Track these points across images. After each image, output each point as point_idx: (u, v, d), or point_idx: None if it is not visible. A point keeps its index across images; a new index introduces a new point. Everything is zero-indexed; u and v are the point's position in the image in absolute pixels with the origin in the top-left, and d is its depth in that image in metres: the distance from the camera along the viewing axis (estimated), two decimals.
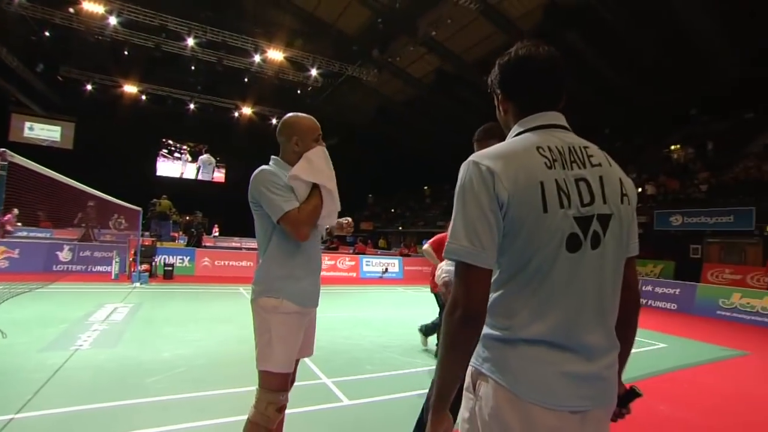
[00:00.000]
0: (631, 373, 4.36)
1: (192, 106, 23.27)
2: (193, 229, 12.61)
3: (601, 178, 1.01)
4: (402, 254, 16.63)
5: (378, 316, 7.01)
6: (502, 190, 0.93)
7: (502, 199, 0.93)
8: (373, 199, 33.33)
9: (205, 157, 28.36)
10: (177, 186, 24.78)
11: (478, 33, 17.13)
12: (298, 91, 21.22)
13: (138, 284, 8.88)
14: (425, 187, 30.33)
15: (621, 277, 1.04)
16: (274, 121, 24.97)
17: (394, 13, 16.37)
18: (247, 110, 23.92)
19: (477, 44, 17.88)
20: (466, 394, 1.03)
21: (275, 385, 1.78)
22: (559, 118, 1.07)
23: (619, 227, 1.01)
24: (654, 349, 5.72)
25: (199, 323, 5.68)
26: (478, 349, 1.01)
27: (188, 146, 27.97)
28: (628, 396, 1.15)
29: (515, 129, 1.08)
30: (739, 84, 15.40)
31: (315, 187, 1.85)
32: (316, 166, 1.86)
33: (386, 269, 14.15)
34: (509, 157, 0.97)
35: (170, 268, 10.17)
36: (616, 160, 1.12)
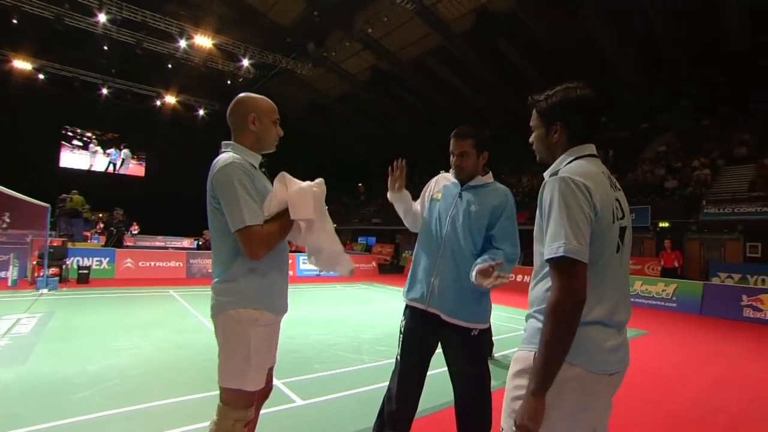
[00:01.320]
0: None
1: (105, 91, 20.81)
2: (112, 228, 11.44)
3: (622, 198, 1.32)
4: None
5: (320, 314, 6.97)
6: (597, 201, 1.17)
7: (597, 209, 1.17)
8: None
9: (127, 150, 25.69)
10: (86, 180, 22.02)
11: (413, 33, 17.55)
12: (228, 81, 20.16)
13: (45, 291, 7.92)
14: (359, 184, 30.44)
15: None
16: (201, 111, 23.49)
17: (330, 6, 16.18)
18: (170, 99, 22.16)
19: (412, 44, 18.31)
20: (521, 377, 1.19)
21: (245, 403, 1.61)
22: (595, 149, 1.33)
23: (629, 235, 1.31)
24: None
25: (129, 330, 5.24)
26: (536, 335, 1.18)
27: (95, 134, 24.66)
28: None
29: (568, 155, 1.30)
30: (640, 96, 17.55)
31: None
32: (302, 196, 1.62)
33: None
34: (591, 177, 1.20)
35: (86, 272, 9.19)
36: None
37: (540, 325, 1.18)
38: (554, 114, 1.31)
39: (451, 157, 2.10)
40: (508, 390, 1.25)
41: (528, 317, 1.29)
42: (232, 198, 1.51)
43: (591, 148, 1.31)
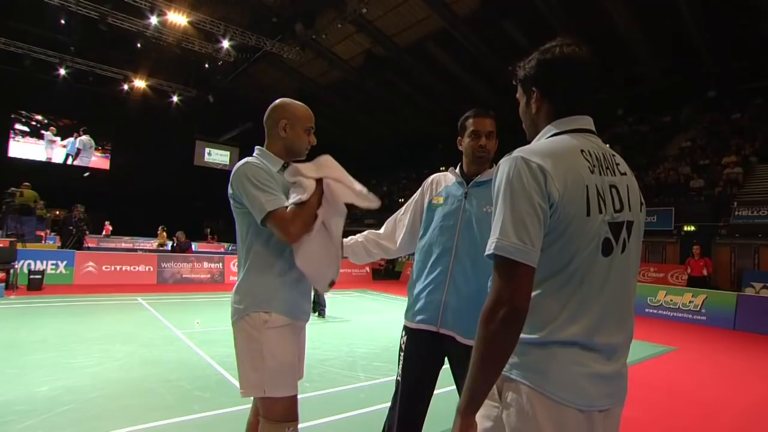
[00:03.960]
0: None
1: (62, 71, 20.29)
2: (71, 227, 11.20)
3: (627, 186, 1.15)
4: None
5: (309, 326, 6.78)
6: (554, 189, 1.01)
7: (554, 198, 1.01)
8: None
9: (85, 138, 25.15)
10: (40, 172, 21.51)
11: (412, 14, 17.52)
12: (206, 65, 19.98)
13: None
14: None
15: (636, 280, 1.19)
16: (175, 98, 23.24)
17: None
18: (140, 83, 21.89)
19: (411, 27, 18.29)
20: (486, 403, 1.07)
21: (278, 414, 1.69)
22: (591, 124, 1.18)
23: (638, 234, 1.16)
24: None
25: (89, 344, 5.06)
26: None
27: (50, 121, 23.91)
28: None
29: (550, 129, 1.17)
30: (660, 88, 17.64)
31: (318, 186, 1.76)
32: (325, 164, 1.80)
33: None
34: (557, 156, 1.05)
35: (38, 277, 8.94)
36: None
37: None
38: (531, 79, 1.21)
39: (470, 139, 2.01)
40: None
41: None
42: (251, 191, 1.67)
43: (583, 121, 1.17)
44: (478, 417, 1.07)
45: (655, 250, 13.82)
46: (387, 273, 18.26)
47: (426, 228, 2.06)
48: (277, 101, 1.89)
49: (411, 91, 22.45)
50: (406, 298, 2.10)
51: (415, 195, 2.20)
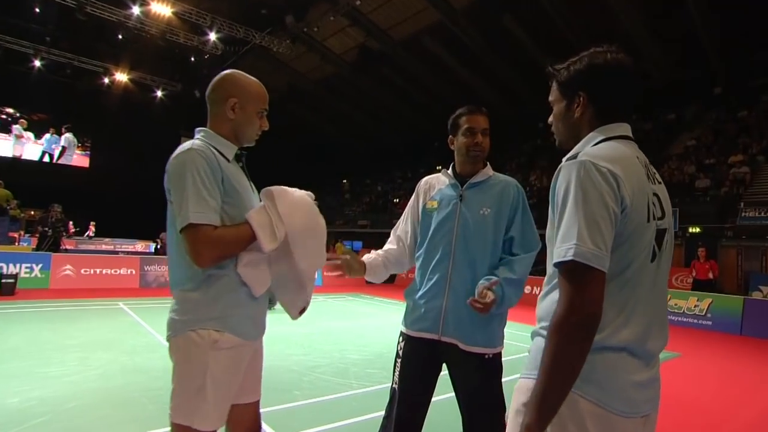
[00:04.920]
0: None
1: (37, 63, 19.95)
2: (47, 228, 11.10)
3: (663, 193, 1.21)
4: None
5: (300, 331, 6.80)
6: (626, 194, 1.05)
7: (626, 203, 1.05)
8: None
9: (70, 136, 24.73)
10: (11, 170, 21.15)
11: (408, 7, 17.56)
12: (192, 58, 19.89)
13: None
14: (344, 181, 30.36)
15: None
16: (159, 93, 23.10)
17: None
18: (122, 76, 21.72)
19: (406, 20, 18.32)
20: (521, 413, 1.09)
21: None
22: (630, 131, 1.23)
23: (672, 241, 1.22)
24: None
25: (66, 352, 5.00)
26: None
27: (22, 115, 23.12)
28: None
29: (596, 135, 1.20)
30: (665, 85, 17.78)
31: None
32: (290, 203, 1.60)
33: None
34: (623, 163, 1.09)
35: (11, 281, 8.84)
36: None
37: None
38: (578, 83, 1.23)
39: (464, 137, 2.01)
40: (510, 430, 1.13)
41: (534, 335, 1.18)
42: (181, 190, 1.45)
43: (625, 128, 1.22)
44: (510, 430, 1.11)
45: None
46: None
47: (423, 234, 2.07)
48: (226, 73, 1.66)
49: (406, 87, 22.48)
50: (400, 302, 2.09)
51: (411, 200, 2.20)
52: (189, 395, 1.48)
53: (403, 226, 2.20)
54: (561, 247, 1.04)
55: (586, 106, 1.22)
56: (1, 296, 8.67)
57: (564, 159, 1.16)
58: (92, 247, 15.03)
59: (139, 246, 17.81)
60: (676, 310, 10.12)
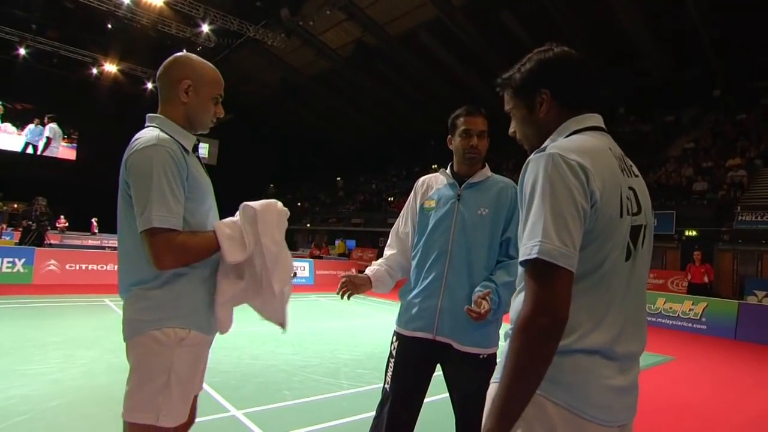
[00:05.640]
0: None
1: (22, 51, 19.80)
2: (31, 222, 11.02)
3: (640, 186, 1.17)
4: (313, 256, 16.43)
5: (290, 330, 6.76)
6: (596, 187, 1.01)
7: (595, 197, 1.01)
8: (275, 190, 32.49)
9: (54, 126, 24.48)
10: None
11: (405, 2, 17.56)
12: (184, 50, 19.75)
13: None
14: (338, 178, 30.36)
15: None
16: (149, 85, 22.98)
17: None
18: (110, 67, 21.58)
19: (404, 15, 18.34)
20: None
21: None
22: (603, 122, 1.20)
23: (650, 239, 1.17)
24: None
25: (48, 350, 4.97)
26: None
27: (2, 102, 22.89)
28: None
29: (565, 127, 1.17)
30: (663, 86, 17.92)
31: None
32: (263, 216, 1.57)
33: (294, 274, 13.86)
34: (593, 154, 1.06)
35: None
36: None
37: None
38: (535, 81, 1.20)
39: (461, 139, 2.03)
40: None
41: (506, 337, 1.12)
42: (145, 189, 1.39)
43: (596, 119, 1.19)
44: None
45: (655, 256, 13.92)
46: None
47: (420, 233, 2.08)
48: (179, 54, 1.61)
49: (403, 83, 22.50)
50: (393, 302, 2.10)
51: (408, 200, 2.21)
52: (152, 393, 1.47)
53: (402, 228, 2.20)
54: (526, 244, 1.00)
55: (550, 102, 1.19)
56: None
57: (532, 153, 1.12)
58: (78, 242, 14.89)
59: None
60: (670, 314, 10.21)
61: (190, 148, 1.56)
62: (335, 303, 10.65)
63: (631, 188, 1.12)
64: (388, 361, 2.05)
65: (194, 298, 1.53)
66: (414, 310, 2.00)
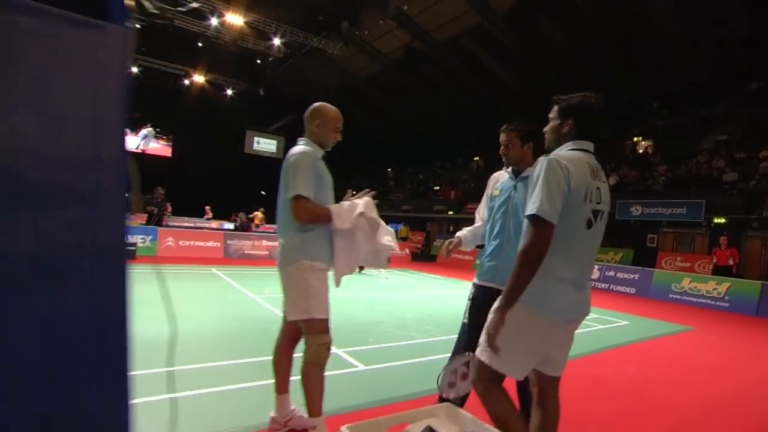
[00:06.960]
0: (602, 344, 5.26)
1: (135, 69, 21.99)
2: (154, 207, 12.40)
3: (604, 188, 1.81)
4: None
5: (361, 296, 7.54)
6: (571, 180, 1.66)
7: (571, 186, 1.66)
8: (333, 181, 33.37)
9: (150, 129, 26.58)
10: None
11: (451, 10, 17.65)
12: (258, 60, 20.87)
13: None
14: (388, 169, 30.88)
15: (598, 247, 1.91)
16: (229, 92, 24.35)
17: None
18: (199, 78, 23.09)
19: (449, 22, 18.40)
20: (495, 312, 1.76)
21: (320, 329, 2.24)
22: (593, 147, 1.84)
23: (604, 220, 1.81)
24: (618, 326, 6.64)
25: (186, 303, 5.86)
26: None
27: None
28: None
29: (570, 145, 1.81)
30: (697, 80, 17.16)
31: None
32: (349, 209, 2.29)
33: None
34: (574, 163, 1.71)
35: (132, 248, 10.07)
36: None
37: None
38: (571, 111, 1.80)
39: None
40: (488, 320, 1.79)
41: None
42: (297, 174, 2.16)
43: (588, 145, 1.79)
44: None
45: (683, 241, 13.76)
46: (423, 255, 18.86)
47: (490, 213, 2.65)
48: (317, 105, 2.37)
49: (447, 84, 22.59)
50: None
51: (486, 191, 2.75)
52: (303, 301, 2.21)
53: (482, 211, 2.76)
54: (530, 206, 1.62)
55: (572, 127, 1.79)
56: (129, 260, 9.86)
57: (543, 155, 1.74)
58: (185, 224, 16.17)
59: (214, 225, 19.00)
60: (695, 293, 10.18)
61: (320, 157, 2.33)
62: (396, 278, 11.31)
63: (597, 187, 1.73)
64: (468, 303, 2.59)
65: (318, 243, 2.25)
66: (484, 267, 2.55)
